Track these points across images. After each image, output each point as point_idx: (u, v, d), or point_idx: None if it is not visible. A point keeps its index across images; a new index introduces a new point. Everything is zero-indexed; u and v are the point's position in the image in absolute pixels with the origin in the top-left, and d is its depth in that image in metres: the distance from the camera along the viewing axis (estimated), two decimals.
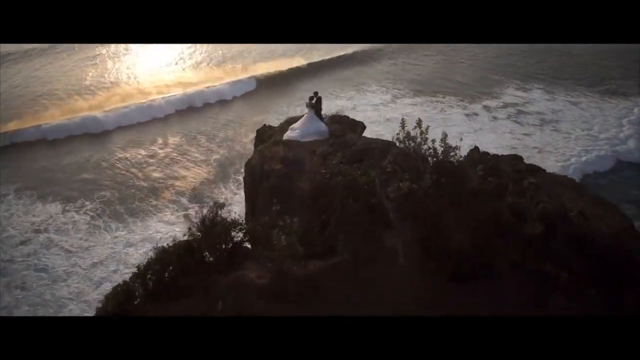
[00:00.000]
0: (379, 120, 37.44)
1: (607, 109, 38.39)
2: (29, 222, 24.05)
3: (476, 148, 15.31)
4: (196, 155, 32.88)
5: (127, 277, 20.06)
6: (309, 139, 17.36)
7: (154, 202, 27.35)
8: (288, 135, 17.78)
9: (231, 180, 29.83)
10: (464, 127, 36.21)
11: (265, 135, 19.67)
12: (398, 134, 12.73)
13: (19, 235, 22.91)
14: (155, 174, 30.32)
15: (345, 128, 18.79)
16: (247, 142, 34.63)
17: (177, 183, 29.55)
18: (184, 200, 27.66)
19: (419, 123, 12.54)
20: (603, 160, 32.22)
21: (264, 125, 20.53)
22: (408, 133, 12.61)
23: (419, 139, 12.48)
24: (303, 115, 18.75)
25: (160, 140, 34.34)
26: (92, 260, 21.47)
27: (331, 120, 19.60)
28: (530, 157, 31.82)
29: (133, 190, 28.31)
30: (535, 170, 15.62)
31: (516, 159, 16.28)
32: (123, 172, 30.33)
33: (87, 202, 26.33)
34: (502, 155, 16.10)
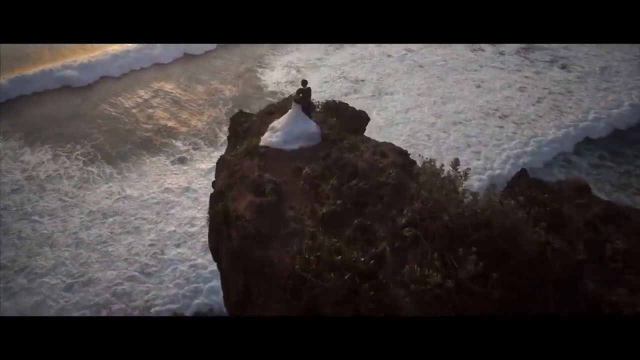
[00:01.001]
0: (379, 56, 36.73)
1: (624, 44, 37.49)
2: (20, 168, 24.14)
3: (523, 173, 11.88)
4: (191, 97, 32.60)
5: (124, 226, 20.94)
6: (294, 145, 14.06)
7: (147, 146, 27.42)
8: (267, 140, 14.31)
9: (225, 123, 29.74)
10: (469, 64, 35.60)
11: (241, 129, 16.38)
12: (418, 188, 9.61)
13: (10, 183, 23.10)
14: (148, 117, 30.15)
15: (343, 126, 15.40)
16: (244, 78, 34.29)
17: (170, 124, 29.47)
18: (178, 143, 27.69)
19: (455, 164, 9.71)
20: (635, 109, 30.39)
21: (239, 111, 17.82)
22: (435, 173, 9.44)
23: (451, 180, 9.20)
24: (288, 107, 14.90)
25: (155, 84, 33.72)
26: (88, 209, 21.85)
27: (325, 109, 16.23)
28: (542, 99, 31.64)
29: (125, 134, 28.27)
30: (612, 214, 10.85)
31: (580, 190, 11.71)
32: (114, 115, 30.10)
33: (78, 146, 26.34)
34: (559, 182, 12.02)
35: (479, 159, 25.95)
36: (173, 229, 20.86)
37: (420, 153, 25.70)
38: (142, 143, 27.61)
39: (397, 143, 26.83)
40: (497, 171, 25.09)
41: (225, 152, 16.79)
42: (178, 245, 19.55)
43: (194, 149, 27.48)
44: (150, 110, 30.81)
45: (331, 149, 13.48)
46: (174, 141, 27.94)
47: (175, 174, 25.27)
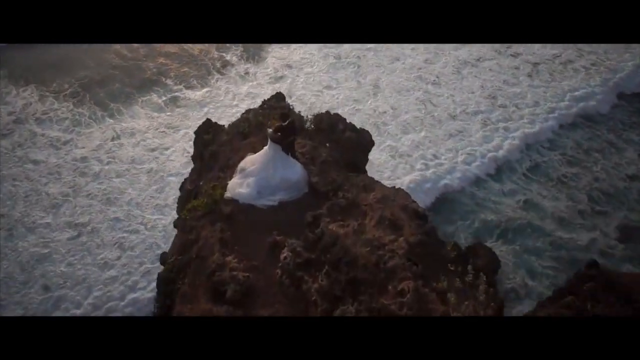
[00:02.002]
0: None
1: None
2: (6, 111, 23.94)
3: (592, 270, 8.45)
4: None
5: (120, 172, 21.31)
6: (271, 200, 11.21)
7: (137, 84, 27.24)
8: (235, 190, 11.42)
9: (217, 59, 29.54)
10: None
11: (207, 152, 13.91)
12: None
13: None
14: (136, 53, 29.72)
15: (339, 158, 12.56)
16: None
17: (160, 60, 29.19)
18: (168, 81, 27.54)
19: None
20: None
21: (206, 122, 15.27)
22: None
23: None
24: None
25: None
26: (81, 154, 21.98)
27: (316, 129, 13.63)
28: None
29: (112, 71, 27.98)
30: None
31: None
32: (100, 51, 29.62)
33: (66, 85, 26.08)
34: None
35: (494, 104, 25.92)
36: (172, 173, 21.24)
37: (432, 100, 25.90)
38: (132, 82, 27.34)
39: (403, 82, 27.19)
40: (520, 122, 24.76)
41: (190, 178, 14.62)
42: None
43: (187, 87, 27.42)
44: (138, 46, 30.36)
45: (321, 209, 10.67)
46: (164, 79, 27.80)
47: (169, 114, 25.33)
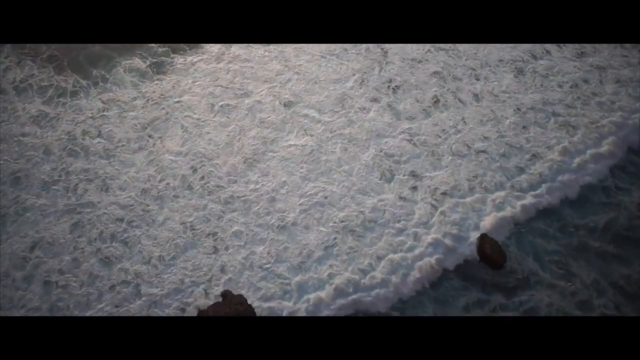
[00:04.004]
0: None
1: None
2: None
3: None
4: None
5: (111, 152, 21.30)
6: None
7: (117, 45, 26.75)
8: None
9: None
10: None
11: None
12: None
13: None
14: None
15: None
16: None
17: None
18: (152, 44, 27.22)
19: None
20: None
21: None
22: None
23: None
24: None
25: None
26: (66, 130, 22.02)
27: None
28: None
29: None
30: None
31: None
32: None
33: (44, 47, 25.42)
34: None
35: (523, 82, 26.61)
36: (170, 158, 21.52)
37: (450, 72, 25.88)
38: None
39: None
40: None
41: None
42: (184, 177, 20.65)
43: (173, 50, 27.12)
44: None
45: None
46: None
47: (157, 82, 24.96)
